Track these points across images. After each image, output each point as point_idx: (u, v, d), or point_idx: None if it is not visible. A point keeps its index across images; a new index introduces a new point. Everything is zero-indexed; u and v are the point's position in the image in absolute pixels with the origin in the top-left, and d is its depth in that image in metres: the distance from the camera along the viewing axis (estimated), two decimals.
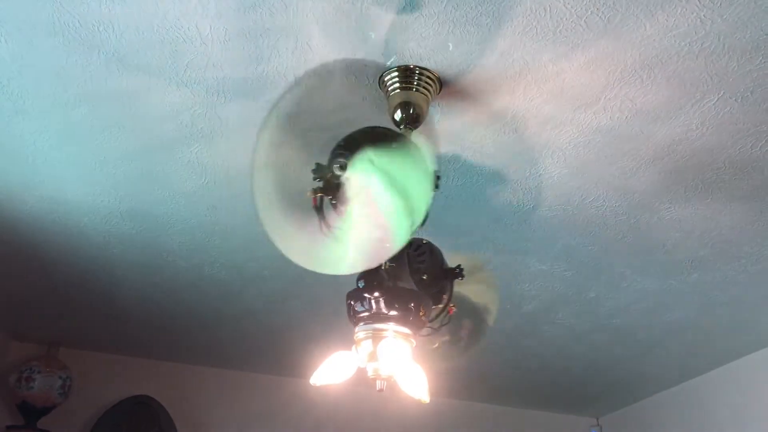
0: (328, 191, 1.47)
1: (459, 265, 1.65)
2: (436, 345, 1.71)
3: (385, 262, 1.52)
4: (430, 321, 1.60)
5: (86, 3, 1.58)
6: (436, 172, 1.50)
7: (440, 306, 1.62)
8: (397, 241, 1.42)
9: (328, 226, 1.48)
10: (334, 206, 1.49)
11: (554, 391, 4.18)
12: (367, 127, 1.58)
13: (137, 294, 3.14)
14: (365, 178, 1.44)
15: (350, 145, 1.50)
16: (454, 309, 1.66)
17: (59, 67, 1.78)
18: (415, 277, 1.57)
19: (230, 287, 3.01)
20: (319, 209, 1.49)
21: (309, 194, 1.48)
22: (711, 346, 3.36)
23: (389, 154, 1.46)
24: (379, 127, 1.59)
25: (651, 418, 4.10)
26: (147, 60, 1.74)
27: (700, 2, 1.49)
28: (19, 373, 3.67)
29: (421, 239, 1.68)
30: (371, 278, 1.52)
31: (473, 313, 1.82)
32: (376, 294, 1.45)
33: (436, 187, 1.49)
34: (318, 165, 1.49)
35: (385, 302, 1.44)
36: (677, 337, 3.26)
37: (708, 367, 3.63)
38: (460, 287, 1.69)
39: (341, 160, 1.47)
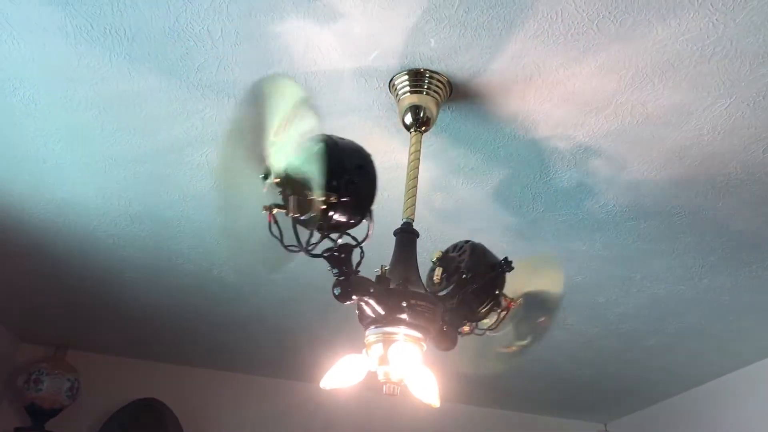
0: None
1: (506, 258, 1.58)
2: (511, 348, 1.64)
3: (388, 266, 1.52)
4: (483, 318, 1.54)
5: (98, 6, 1.58)
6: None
7: (490, 304, 1.55)
8: None
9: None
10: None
11: (562, 397, 4.16)
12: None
13: (146, 297, 3.15)
14: None
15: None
16: (514, 304, 1.60)
17: (70, 70, 1.79)
18: (455, 277, 1.54)
19: (239, 290, 3.01)
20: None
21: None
22: (721, 353, 3.34)
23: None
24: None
25: (659, 425, 4.07)
26: (158, 62, 1.75)
27: (712, 6, 1.48)
28: (28, 375, 3.68)
29: (464, 240, 1.64)
30: (382, 282, 1.51)
31: (538, 309, 1.73)
32: (388, 298, 1.44)
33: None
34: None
35: (396, 305, 1.43)
36: (687, 343, 3.24)
37: (718, 373, 3.60)
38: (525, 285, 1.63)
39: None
